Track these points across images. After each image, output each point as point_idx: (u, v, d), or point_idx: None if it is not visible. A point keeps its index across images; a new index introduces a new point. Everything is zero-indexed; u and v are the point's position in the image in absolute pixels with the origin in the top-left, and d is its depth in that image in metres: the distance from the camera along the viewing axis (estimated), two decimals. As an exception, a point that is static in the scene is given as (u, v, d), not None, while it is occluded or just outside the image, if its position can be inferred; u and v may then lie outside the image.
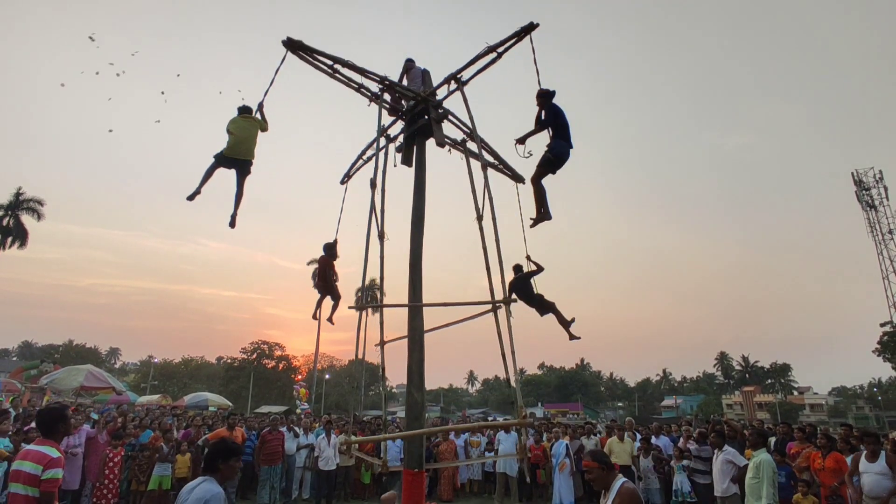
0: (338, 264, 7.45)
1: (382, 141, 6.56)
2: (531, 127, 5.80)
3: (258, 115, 5.75)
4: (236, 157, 5.38)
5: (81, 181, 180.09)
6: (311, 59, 5.52)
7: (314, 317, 7.49)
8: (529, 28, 5.37)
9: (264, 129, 5.77)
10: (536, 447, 11.50)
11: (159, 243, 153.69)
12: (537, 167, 5.56)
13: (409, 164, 6.37)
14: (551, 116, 5.54)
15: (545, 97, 5.59)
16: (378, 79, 5.91)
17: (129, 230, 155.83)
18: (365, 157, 7.29)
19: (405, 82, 6.73)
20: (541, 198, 5.63)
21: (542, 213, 5.61)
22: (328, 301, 7.40)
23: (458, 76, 5.94)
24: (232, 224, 5.64)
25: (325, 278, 7.31)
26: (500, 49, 5.58)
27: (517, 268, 7.14)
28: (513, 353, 4.72)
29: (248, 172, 5.57)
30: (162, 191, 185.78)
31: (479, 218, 5.17)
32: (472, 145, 6.30)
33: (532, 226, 5.84)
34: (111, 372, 50.45)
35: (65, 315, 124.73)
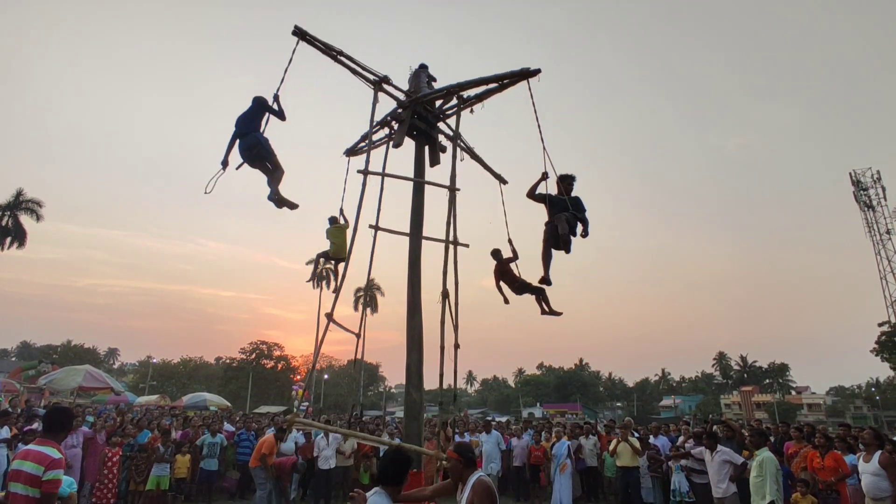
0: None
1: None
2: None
3: (342, 219, 7.44)
4: (337, 258, 7.36)
5: (81, 181, 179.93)
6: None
7: (549, 314, 7.09)
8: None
9: (348, 226, 7.28)
10: (537, 448, 11.50)
11: (159, 243, 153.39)
12: None
13: (400, 144, 6.35)
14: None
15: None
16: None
17: (129, 230, 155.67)
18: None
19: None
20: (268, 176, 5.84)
21: (278, 199, 5.83)
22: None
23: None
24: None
25: (510, 283, 7.14)
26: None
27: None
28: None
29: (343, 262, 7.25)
30: (161, 191, 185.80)
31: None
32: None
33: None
34: (110, 372, 50.38)
35: (63, 315, 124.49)
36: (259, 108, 5.82)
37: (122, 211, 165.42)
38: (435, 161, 6.70)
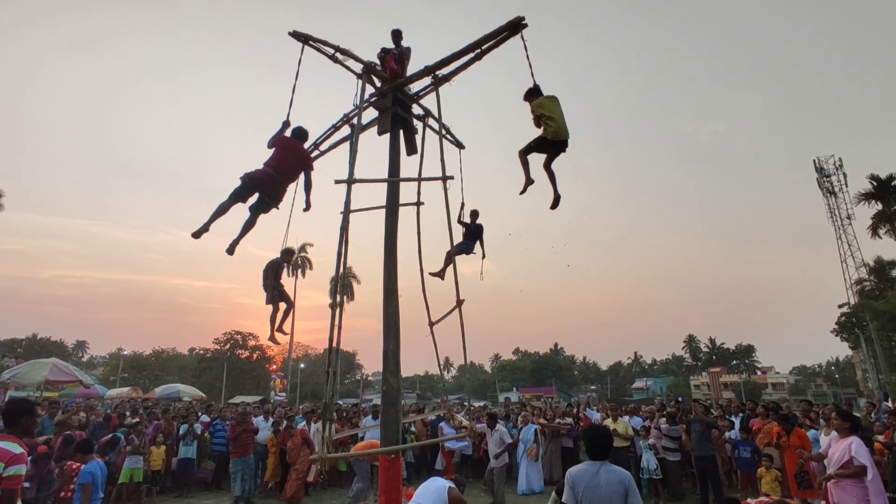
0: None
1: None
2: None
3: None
4: (565, 139, 4.96)
5: (42, 169, 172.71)
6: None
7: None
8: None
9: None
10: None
11: (126, 233, 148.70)
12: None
13: (386, 131, 6.13)
14: None
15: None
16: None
17: (94, 219, 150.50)
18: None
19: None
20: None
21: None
22: None
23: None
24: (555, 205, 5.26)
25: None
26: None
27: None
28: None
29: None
30: (128, 178, 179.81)
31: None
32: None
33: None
34: (78, 365, 49.07)
35: (28, 308, 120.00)
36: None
37: (87, 200, 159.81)
38: (412, 150, 6.57)
